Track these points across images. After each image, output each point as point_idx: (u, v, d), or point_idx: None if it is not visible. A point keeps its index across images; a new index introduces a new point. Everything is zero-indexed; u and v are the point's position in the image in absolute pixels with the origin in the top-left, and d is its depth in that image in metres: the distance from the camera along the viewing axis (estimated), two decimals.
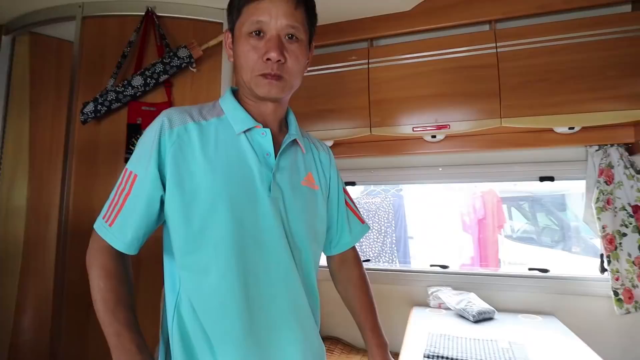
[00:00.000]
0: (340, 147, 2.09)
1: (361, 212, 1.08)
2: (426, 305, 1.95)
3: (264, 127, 0.83)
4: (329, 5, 1.79)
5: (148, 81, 1.66)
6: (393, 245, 3.56)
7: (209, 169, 0.76)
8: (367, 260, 2.45)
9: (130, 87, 1.64)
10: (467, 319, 1.70)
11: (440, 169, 2.02)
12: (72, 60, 1.81)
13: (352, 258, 1.04)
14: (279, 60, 0.76)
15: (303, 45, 0.80)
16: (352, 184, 2.17)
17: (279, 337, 0.76)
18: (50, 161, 1.98)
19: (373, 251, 3.54)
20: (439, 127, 1.71)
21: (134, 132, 1.67)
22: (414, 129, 1.74)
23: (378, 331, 0.97)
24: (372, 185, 3.75)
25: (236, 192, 0.76)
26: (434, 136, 1.82)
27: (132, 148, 1.68)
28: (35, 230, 1.94)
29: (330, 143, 2.04)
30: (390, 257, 3.52)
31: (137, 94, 1.66)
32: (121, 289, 0.75)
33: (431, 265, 2.08)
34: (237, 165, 0.78)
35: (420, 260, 3.85)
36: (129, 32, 1.74)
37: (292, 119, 0.90)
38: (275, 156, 0.82)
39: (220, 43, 1.77)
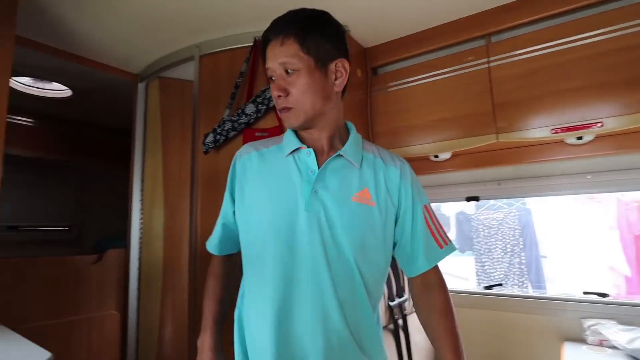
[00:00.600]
0: (458, 159, 1.88)
1: (444, 233, 0.96)
2: (581, 341, 1.60)
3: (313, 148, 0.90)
4: (434, 4, 1.65)
5: (259, 107, 1.71)
6: (522, 267, 3.11)
7: (261, 186, 0.90)
8: (499, 285, 2.14)
9: (244, 115, 1.71)
10: None
11: (589, 177, 1.67)
12: (192, 97, 1.97)
13: (436, 283, 0.93)
14: (280, 96, 0.85)
15: (303, 72, 0.84)
16: (475, 199, 1.93)
17: (302, 345, 0.82)
18: (180, 190, 2.17)
19: (497, 273, 3.14)
20: (587, 126, 1.40)
21: None
22: (554, 131, 1.46)
23: None
24: (491, 199, 3.38)
25: (278, 206, 0.86)
26: (579, 137, 1.51)
27: None
28: (171, 252, 2.13)
29: (447, 155, 1.85)
30: (520, 280, 3.08)
31: (251, 121, 1.72)
32: (215, 284, 1.01)
33: (585, 293, 1.72)
34: (284, 182, 0.88)
35: (560, 284, 3.30)
36: (240, 63, 1.83)
37: (352, 137, 0.93)
38: None
39: None
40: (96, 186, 3.34)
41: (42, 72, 2.28)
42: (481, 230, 3.35)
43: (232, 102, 1.79)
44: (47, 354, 0.81)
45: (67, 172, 3.21)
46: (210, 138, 1.75)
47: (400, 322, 1.58)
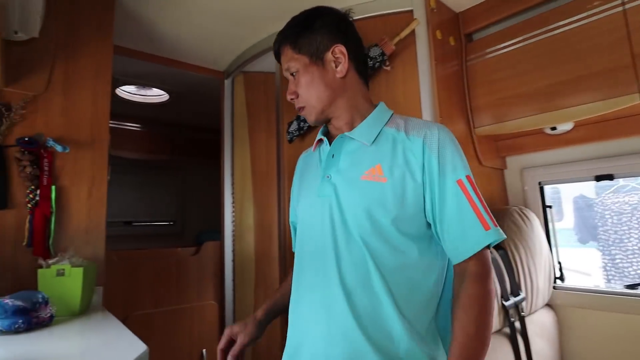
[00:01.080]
0: (582, 130, 1.56)
1: (488, 214, 0.77)
2: None
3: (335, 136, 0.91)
4: None
5: None
6: None
7: (298, 185, 1.00)
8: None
9: None
10: None
11: None
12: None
13: (473, 273, 0.76)
14: (292, 99, 0.91)
15: (301, 71, 0.88)
16: (608, 177, 1.58)
17: (307, 331, 0.82)
18: (267, 182, 2.18)
19: (634, 268, 2.62)
20: None
21: None
22: None
23: None
24: (620, 180, 2.84)
25: (304, 199, 0.93)
26: None
27: None
28: (262, 245, 2.15)
29: (568, 126, 1.54)
30: None
31: None
32: (285, 279, 1.08)
33: None
34: (310, 176, 0.95)
35: None
36: None
37: (370, 116, 0.90)
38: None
39: (413, 32, 1.57)
40: (195, 182, 3.58)
41: (141, 79, 2.46)
42: (608, 217, 2.83)
43: None
44: (143, 347, 0.80)
45: (170, 170, 3.49)
46: (294, 126, 1.69)
47: (517, 324, 1.35)
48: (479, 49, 1.72)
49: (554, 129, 1.56)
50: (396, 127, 0.86)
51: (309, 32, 0.88)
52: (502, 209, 1.59)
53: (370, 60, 1.55)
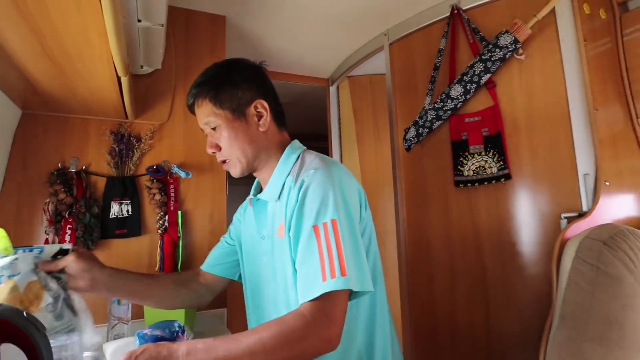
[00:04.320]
0: None
1: (338, 262, 0.71)
2: None
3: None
4: None
5: (468, 87, 1.39)
6: None
7: (240, 231, 1.04)
8: None
9: (449, 100, 1.42)
10: None
11: None
12: (386, 89, 1.79)
13: (300, 310, 0.71)
14: (214, 152, 0.91)
15: (223, 127, 0.88)
16: None
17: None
18: (378, 190, 2.05)
19: None
20: None
21: (461, 149, 1.43)
22: None
23: None
24: None
25: (246, 251, 1.00)
26: None
27: (461, 169, 1.43)
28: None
29: None
30: None
31: (458, 105, 1.42)
32: None
33: None
34: (249, 230, 0.98)
35: None
36: (436, 40, 1.55)
37: (277, 169, 0.89)
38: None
39: (553, 10, 1.31)
40: None
41: None
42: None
43: (433, 88, 1.52)
44: None
45: None
46: (411, 132, 1.53)
47: None
48: (638, 19, 1.38)
49: None
50: (293, 177, 0.85)
51: (229, 87, 0.88)
52: None
53: (499, 50, 1.32)
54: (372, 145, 2.05)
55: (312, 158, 0.86)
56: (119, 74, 1.00)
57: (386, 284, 1.94)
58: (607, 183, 1.21)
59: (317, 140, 3.18)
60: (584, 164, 1.23)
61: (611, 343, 0.84)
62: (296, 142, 0.94)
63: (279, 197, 0.86)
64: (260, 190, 0.97)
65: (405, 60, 1.70)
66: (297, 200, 0.79)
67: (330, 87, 2.27)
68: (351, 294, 0.77)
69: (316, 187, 0.78)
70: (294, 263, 0.79)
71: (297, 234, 0.77)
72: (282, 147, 0.92)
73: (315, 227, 0.75)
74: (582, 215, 1.18)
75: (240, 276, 1.04)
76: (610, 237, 0.93)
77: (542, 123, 1.31)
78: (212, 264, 1.06)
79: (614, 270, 0.87)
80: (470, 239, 1.43)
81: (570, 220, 1.18)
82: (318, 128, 2.77)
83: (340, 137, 2.23)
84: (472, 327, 1.44)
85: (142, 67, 1.34)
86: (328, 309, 0.71)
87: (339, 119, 2.24)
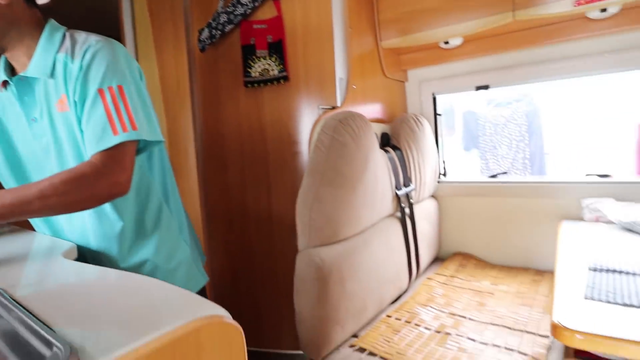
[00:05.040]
0: (469, 45, 1.78)
1: (128, 118, 0.82)
2: (579, 219, 1.66)
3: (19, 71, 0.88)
4: None
5: None
6: (526, 161, 3.14)
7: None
8: (504, 173, 2.17)
9: (239, 5, 1.58)
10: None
11: (605, 55, 1.58)
12: None
13: (90, 161, 0.81)
14: None
15: None
16: (485, 87, 1.86)
17: None
18: (178, 95, 2.10)
19: (500, 169, 3.19)
20: None
21: (249, 53, 1.63)
22: (577, 3, 1.35)
23: None
24: (503, 87, 3.30)
25: (17, 139, 0.94)
26: (604, 10, 1.40)
27: (249, 71, 1.65)
28: (178, 161, 2.13)
29: (458, 41, 1.75)
30: (523, 174, 3.13)
31: (247, 12, 1.60)
32: None
33: (587, 175, 1.75)
34: (14, 115, 0.92)
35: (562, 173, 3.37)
36: None
37: (40, 45, 0.86)
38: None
39: None
40: None
41: None
42: (487, 127, 3.32)
43: None
44: None
45: None
46: (205, 33, 1.65)
47: (407, 210, 1.64)
48: None
49: (446, 43, 1.75)
50: (65, 52, 0.85)
51: None
52: (400, 116, 1.81)
53: None
54: (171, 48, 2.01)
55: (87, 34, 0.86)
56: None
57: (185, 180, 2.09)
58: (354, 87, 1.62)
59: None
60: (340, 70, 1.61)
61: (336, 185, 1.24)
62: (54, 21, 0.90)
63: (52, 74, 0.84)
64: (12, 71, 0.90)
65: None
66: (81, 68, 0.81)
67: None
68: (143, 147, 0.90)
69: (102, 55, 0.82)
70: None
71: (83, 97, 0.81)
72: (37, 25, 0.87)
73: (100, 90, 0.81)
74: (334, 108, 1.57)
75: None
76: (344, 117, 1.32)
77: (314, 35, 1.61)
78: None
79: (342, 138, 1.26)
80: (257, 132, 1.72)
81: (325, 110, 1.56)
82: (109, 31, 2.52)
83: (135, 41, 2.11)
84: (257, 207, 1.78)
85: None
86: (118, 157, 0.80)
87: (134, 21, 2.10)
